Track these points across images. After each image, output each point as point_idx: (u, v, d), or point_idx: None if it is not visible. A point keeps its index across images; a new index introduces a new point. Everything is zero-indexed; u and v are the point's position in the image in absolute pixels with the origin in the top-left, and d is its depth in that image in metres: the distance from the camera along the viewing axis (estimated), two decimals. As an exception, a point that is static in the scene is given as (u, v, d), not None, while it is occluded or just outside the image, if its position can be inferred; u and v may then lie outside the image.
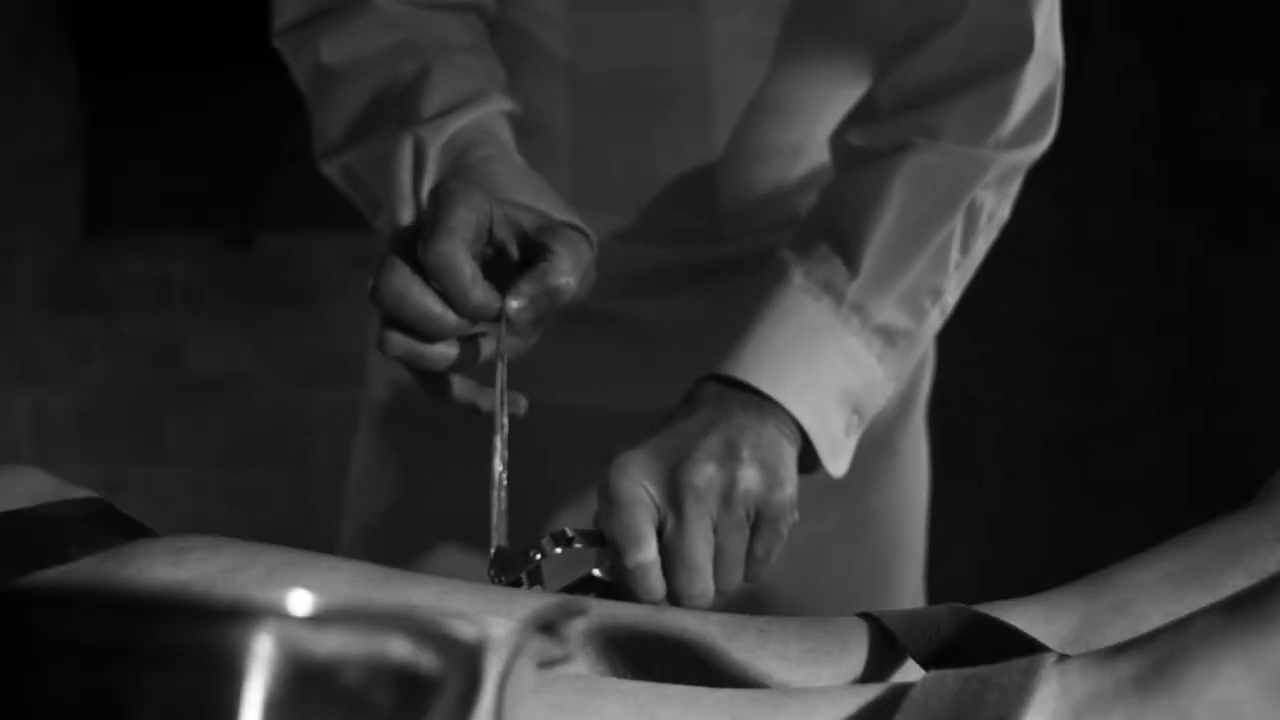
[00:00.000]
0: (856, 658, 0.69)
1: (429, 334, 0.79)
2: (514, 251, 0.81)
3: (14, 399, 3.32)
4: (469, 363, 0.82)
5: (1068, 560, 1.23)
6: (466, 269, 0.77)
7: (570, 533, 0.82)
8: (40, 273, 3.31)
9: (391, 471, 1.18)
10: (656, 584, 0.81)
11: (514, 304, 0.79)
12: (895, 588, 1.16)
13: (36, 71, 3.28)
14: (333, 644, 0.34)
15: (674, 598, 0.81)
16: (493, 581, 0.80)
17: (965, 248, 0.97)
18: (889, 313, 0.94)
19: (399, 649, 0.35)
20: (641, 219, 1.07)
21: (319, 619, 0.34)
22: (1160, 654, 0.50)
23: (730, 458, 0.82)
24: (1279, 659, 0.47)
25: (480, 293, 0.78)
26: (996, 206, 0.98)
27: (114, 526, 0.75)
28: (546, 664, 0.39)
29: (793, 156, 1.07)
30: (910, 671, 0.68)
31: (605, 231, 0.96)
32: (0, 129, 3.28)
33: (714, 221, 1.08)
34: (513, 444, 1.14)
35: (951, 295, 0.98)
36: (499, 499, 0.81)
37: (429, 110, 0.92)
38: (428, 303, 0.78)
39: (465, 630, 0.36)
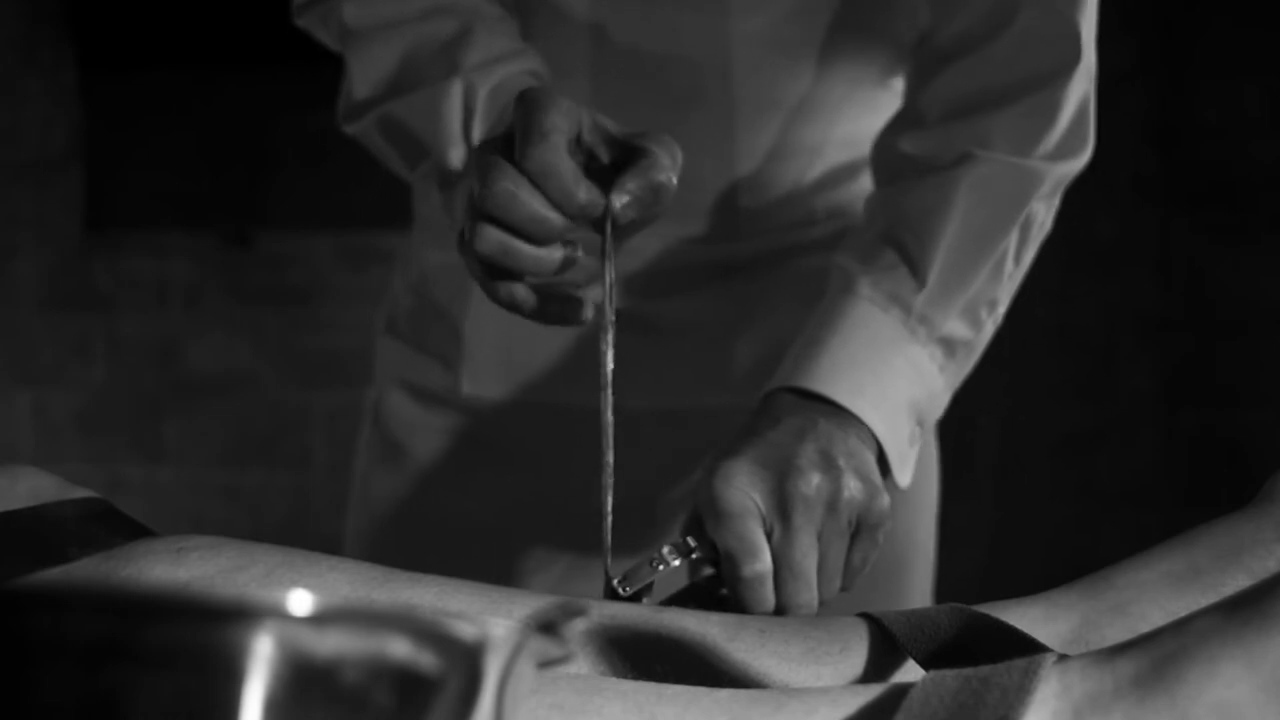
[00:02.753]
0: (857, 658, 0.69)
1: (535, 235, 0.78)
2: (604, 156, 0.80)
3: (14, 399, 3.32)
4: (565, 268, 0.81)
5: (1068, 560, 1.24)
6: (567, 170, 0.77)
7: (692, 543, 0.81)
8: (40, 273, 3.31)
9: (399, 473, 1.18)
10: (770, 594, 0.80)
11: (619, 201, 0.78)
12: (908, 588, 1.16)
13: (36, 72, 3.28)
14: (333, 644, 0.34)
15: (780, 608, 0.81)
16: (610, 593, 0.79)
17: (1018, 258, 0.98)
18: (952, 324, 0.95)
19: (399, 649, 0.35)
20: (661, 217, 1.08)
21: (319, 619, 0.34)
22: (1160, 654, 0.50)
23: (830, 467, 0.83)
24: (1279, 659, 0.47)
25: (585, 191, 0.77)
26: (1045, 217, 0.99)
27: (114, 526, 0.75)
28: (546, 664, 0.39)
29: (812, 156, 1.07)
30: (910, 671, 0.68)
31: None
32: (0, 129, 3.28)
33: (733, 220, 1.08)
34: (535, 451, 1.13)
35: (1003, 305, 0.99)
36: (611, 438, 0.80)
37: (474, 60, 0.93)
38: (535, 204, 0.77)
39: (465, 630, 0.36)
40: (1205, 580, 0.69)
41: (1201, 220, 2.92)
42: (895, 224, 0.96)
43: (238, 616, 0.33)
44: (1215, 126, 2.91)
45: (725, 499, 0.81)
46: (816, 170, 1.08)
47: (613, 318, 0.80)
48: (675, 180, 0.79)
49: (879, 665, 0.69)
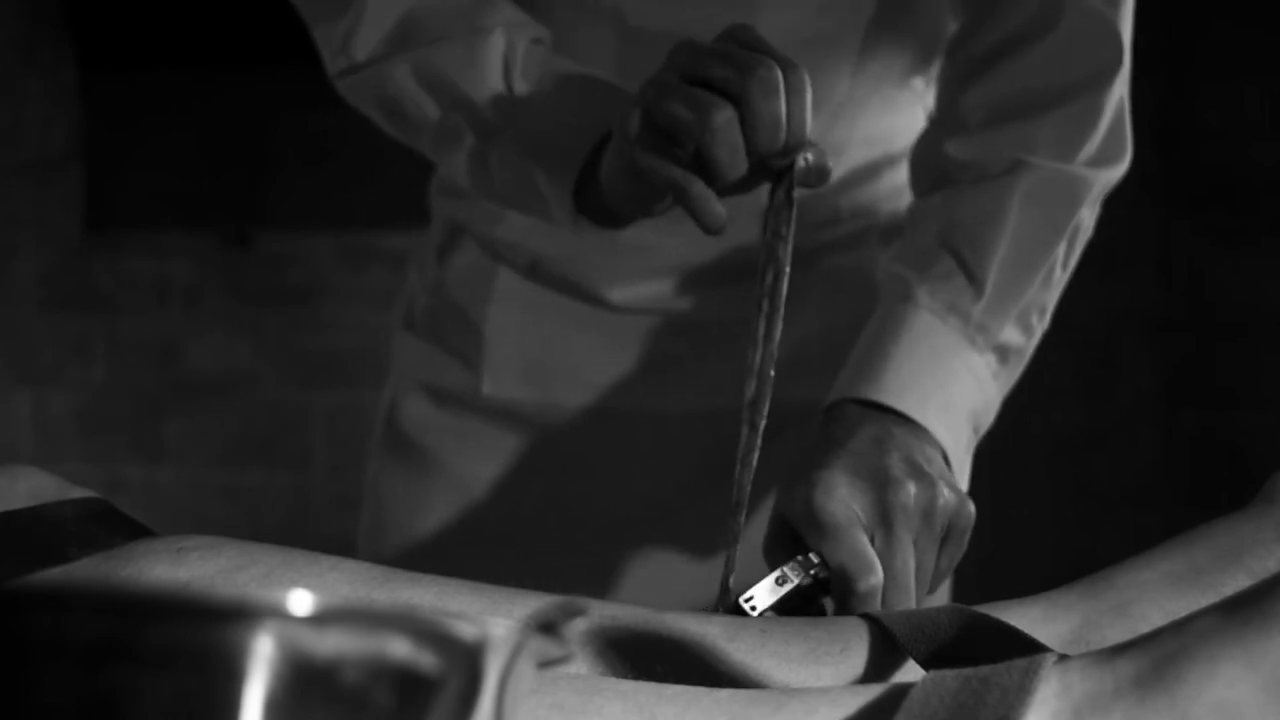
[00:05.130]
0: (857, 658, 0.69)
1: (725, 163, 0.83)
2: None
3: (14, 399, 3.32)
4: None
5: (1068, 560, 1.23)
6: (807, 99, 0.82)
7: (815, 559, 0.81)
8: (40, 273, 3.31)
9: (414, 474, 1.17)
10: (879, 606, 0.80)
11: (803, 159, 0.83)
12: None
13: (36, 72, 3.28)
14: (333, 644, 0.34)
15: None
16: (734, 611, 0.77)
17: (1066, 264, 0.99)
18: (1008, 332, 0.96)
19: (399, 649, 0.35)
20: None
21: (319, 619, 0.34)
22: (1160, 654, 0.50)
23: (921, 475, 0.83)
24: (1279, 659, 0.47)
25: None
26: (1090, 222, 1.00)
27: (114, 526, 0.75)
28: (546, 664, 0.39)
29: (836, 154, 1.07)
30: (910, 671, 0.68)
31: (651, 227, 0.96)
32: (0, 129, 3.28)
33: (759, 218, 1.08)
34: (559, 453, 1.12)
35: (1050, 311, 1.00)
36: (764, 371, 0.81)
37: (501, 20, 0.94)
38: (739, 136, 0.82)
39: (465, 630, 0.36)
40: (1205, 580, 0.69)
41: (1202, 222, 2.92)
42: (950, 232, 0.96)
43: (238, 616, 0.33)
44: (1216, 128, 2.91)
45: (830, 512, 0.81)
46: (841, 169, 1.08)
47: (786, 268, 0.83)
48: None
49: (879, 665, 0.69)
